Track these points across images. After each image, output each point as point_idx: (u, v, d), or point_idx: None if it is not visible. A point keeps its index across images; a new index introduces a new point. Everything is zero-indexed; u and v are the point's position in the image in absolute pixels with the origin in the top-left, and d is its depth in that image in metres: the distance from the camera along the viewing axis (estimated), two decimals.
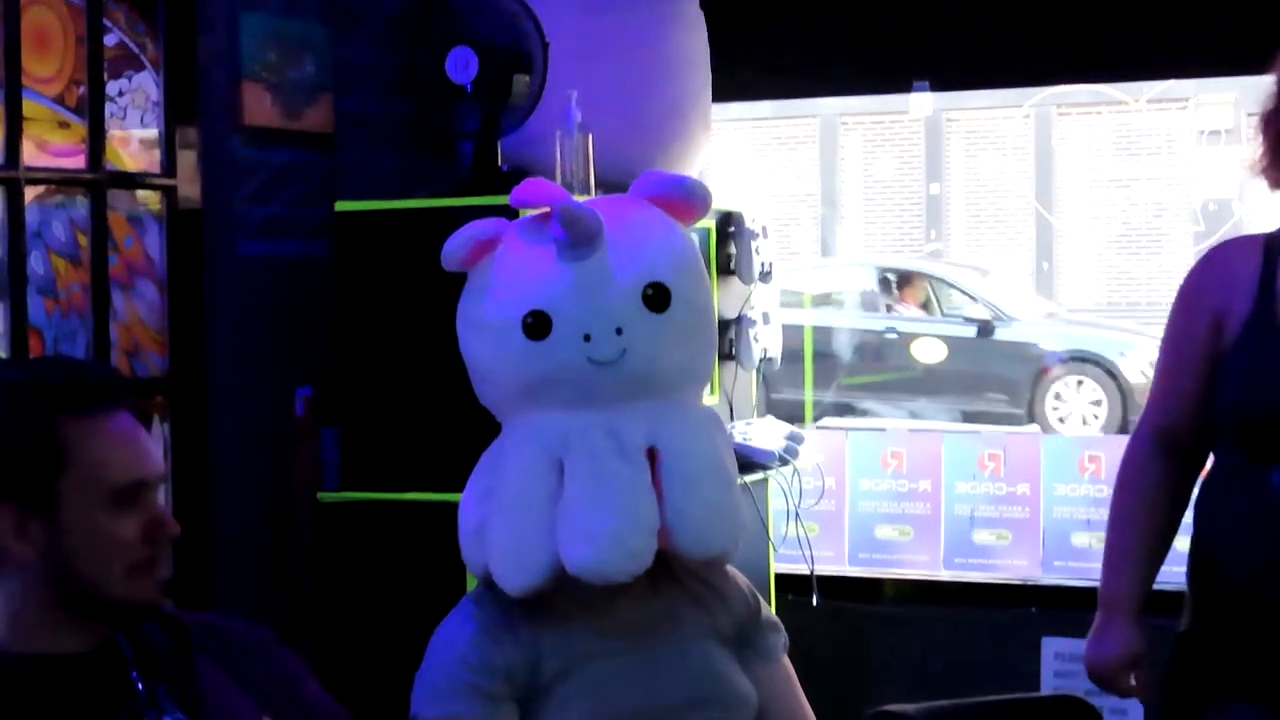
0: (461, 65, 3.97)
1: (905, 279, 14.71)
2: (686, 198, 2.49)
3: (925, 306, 14.42)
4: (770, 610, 2.71)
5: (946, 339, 13.59)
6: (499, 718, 2.42)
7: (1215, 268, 3.02)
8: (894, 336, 13.87)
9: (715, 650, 2.56)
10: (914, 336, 13.78)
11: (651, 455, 2.37)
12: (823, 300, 14.85)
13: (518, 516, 2.39)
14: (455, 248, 2.47)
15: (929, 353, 13.60)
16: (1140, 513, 3.06)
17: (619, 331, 2.35)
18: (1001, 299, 14.09)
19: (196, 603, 2.64)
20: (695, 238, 4.40)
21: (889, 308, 14.32)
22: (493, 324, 2.41)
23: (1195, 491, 3.06)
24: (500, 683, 2.42)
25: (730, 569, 2.63)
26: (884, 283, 14.55)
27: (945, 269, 15.81)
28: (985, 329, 13.51)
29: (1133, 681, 3.07)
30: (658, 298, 2.37)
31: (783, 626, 2.70)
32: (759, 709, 2.58)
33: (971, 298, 14.06)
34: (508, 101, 4.01)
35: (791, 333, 13.71)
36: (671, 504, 2.36)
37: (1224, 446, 2.98)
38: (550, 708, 2.44)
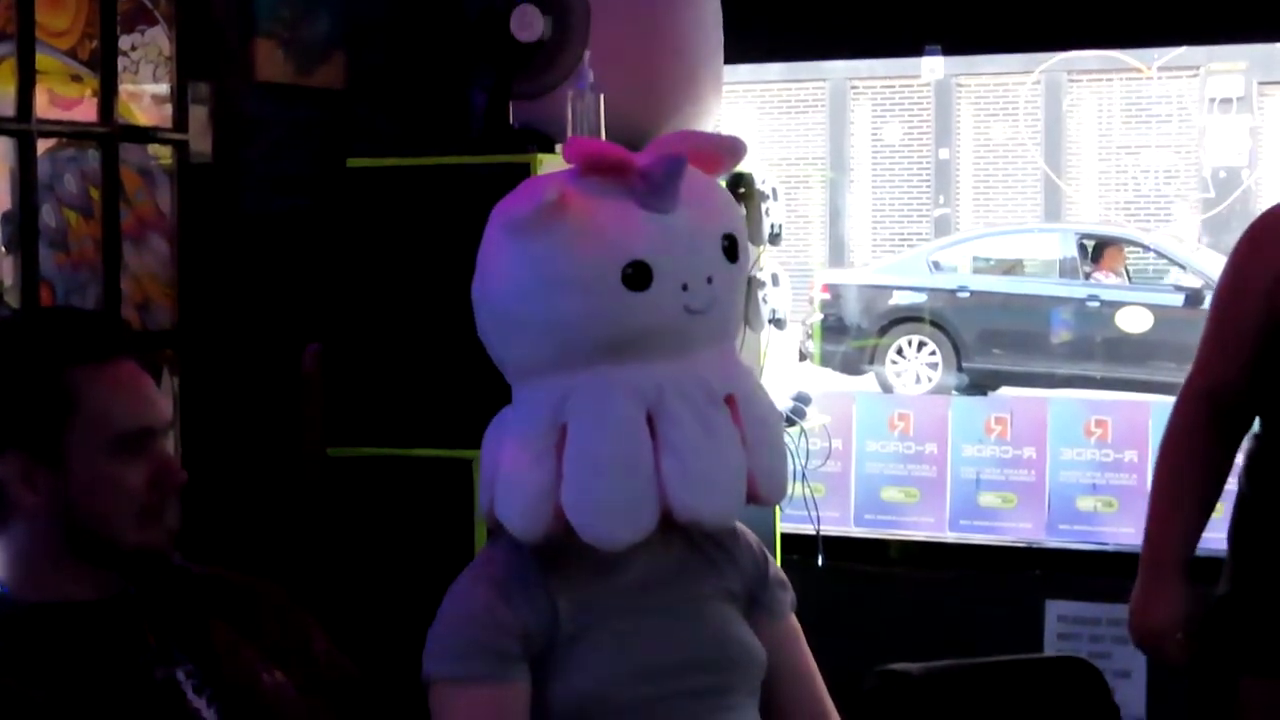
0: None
1: (1103, 246, 14.42)
2: (719, 149, 2.50)
3: (1119, 275, 14.19)
4: (779, 568, 2.72)
5: (1153, 307, 13.19)
6: (512, 677, 2.42)
7: (1273, 230, 3.00)
8: (1096, 305, 13.61)
9: (728, 610, 2.57)
10: (1118, 305, 13.47)
11: (729, 402, 2.39)
12: (1014, 267, 14.72)
13: (619, 475, 2.34)
14: (531, 210, 2.37)
15: (1134, 322, 13.29)
16: (1187, 473, 3.04)
17: (709, 281, 2.36)
18: (1212, 267, 13.75)
19: (205, 557, 2.65)
20: None
21: (1087, 275, 14.05)
22: (587, 278, 2.36)
23: (1241, 456, 3.05)
24: (514, 641, 2.42)
25: (741, 528, 2.64)
26: (1081, 249, 14.27)
27: (1149, 236, 15.56)
28: (1194, 298, 12.94)
29: (1179, 650, 3.04)
30: (732, 248, 2.39)
31: (790, 585, 2.71)
32: (767, 666, 2.59)
33: (1181, 265, 13.81)
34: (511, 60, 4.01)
35: (988, 300, 13.79)
36: (753, 449, 2.39)
37: (1271, 414, 2.96)
38: (566, 667, 2.44)
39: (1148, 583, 3.05)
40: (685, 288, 2.34)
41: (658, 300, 2.33)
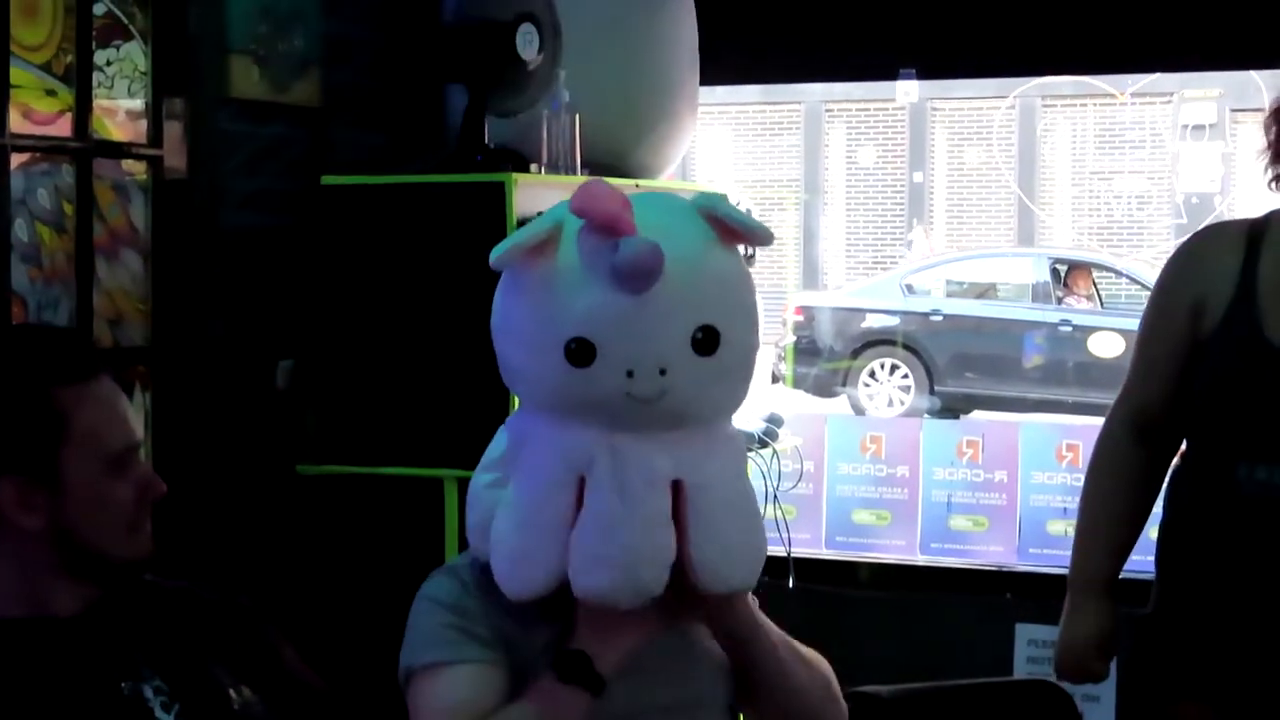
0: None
1: (1073, 270, 14.46)
2: (748, 233, 2.33)
3: (1091, 299, 14.25)
4: None
5: (1125, 333, 12.99)
6: (490, 660, 2.38)
7: (1197, 255, 3.01)
8: (1068, 329, 13.62)
9: (699, 642, 2.57)
10: (1090, 330, 13.48)
11: (677, 487, 2.34)
12: (987, 291, 14.71)
13: (530, 528, 2.34)
14: (510, 251, 2.29)
15: (1106, 347, 13.33)
16: (1112, 496, 3.07)
17: (663, 372, 2.25)
18: None
19: (176, 572, 2.64)
20: None
21: (1059, 300, 14.08)
22: (533, 339, 2.34)
23: (1167, 478, 3.07)
24: (485, 629, 2.41)
25: None
26: (1054, 274, 14.27)
27: (1121, 261, 15.57)
28: None
29: (1102, 668, 3.08)
30: (707, 341, 2.26)
31: None
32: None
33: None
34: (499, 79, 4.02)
35: (961, 323, 13.78)
36: (694, 539, 2.34)
37: (1194, 436, 2.99)
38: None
39: (1072, 605, 3.08)
40: (630, 374, 2.25)
41: (598, 380, 2.26)
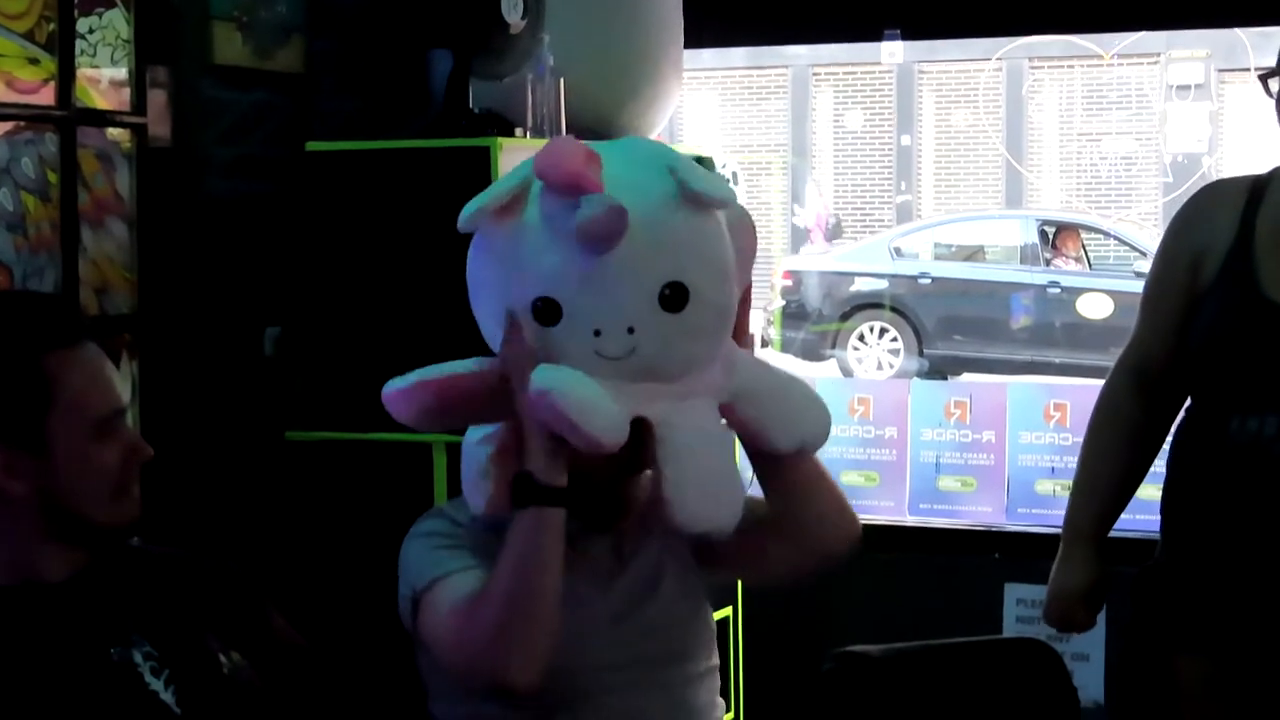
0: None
1: (1062, 232, 14.48)
2: (706, 199, 2.32)
3: (1079, 261, 14.27)
4: None
5: (1114, 294, 13.25)
6: (486, 565, 2.39)
7: (1198, 210, 3.02)
8: (1057, 291, 13.64)
9: (675, 566, 2.58)
10: (1079, 291, 13.52)
11: (646, 427, 2.34)
12: (975, 254, 14.70)
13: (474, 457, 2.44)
14: (476, 213, 2.35)
15: (1094, 308, 13.38)
16: (1109, 450, 3.08)
17: (630, 330, 2.28)
18: None
19: (163, 540, 2.65)
20: None
21: (1048, 261, 14.11)
22: (501, 299, 2.35)
23: (1171, 432, 3.08)
24: (479, 547, 2.43)
25: None
26: (1043, 236, 14.31)
27: (1109, 223, 15.56)
28: None
29: (1087, 618, 3.09)
30: (675, 298, 2.28)
31: None
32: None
33: (1142, 252, 13.79)
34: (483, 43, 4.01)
35: (949, 286, 13.78)
36: (667, 478, 2.34)
37: (1193, 389, 3.00)
38: None
39: (1064, 553, 3.12)
40: (597, 333, 2.28)
41: (565, 339, 2.29)
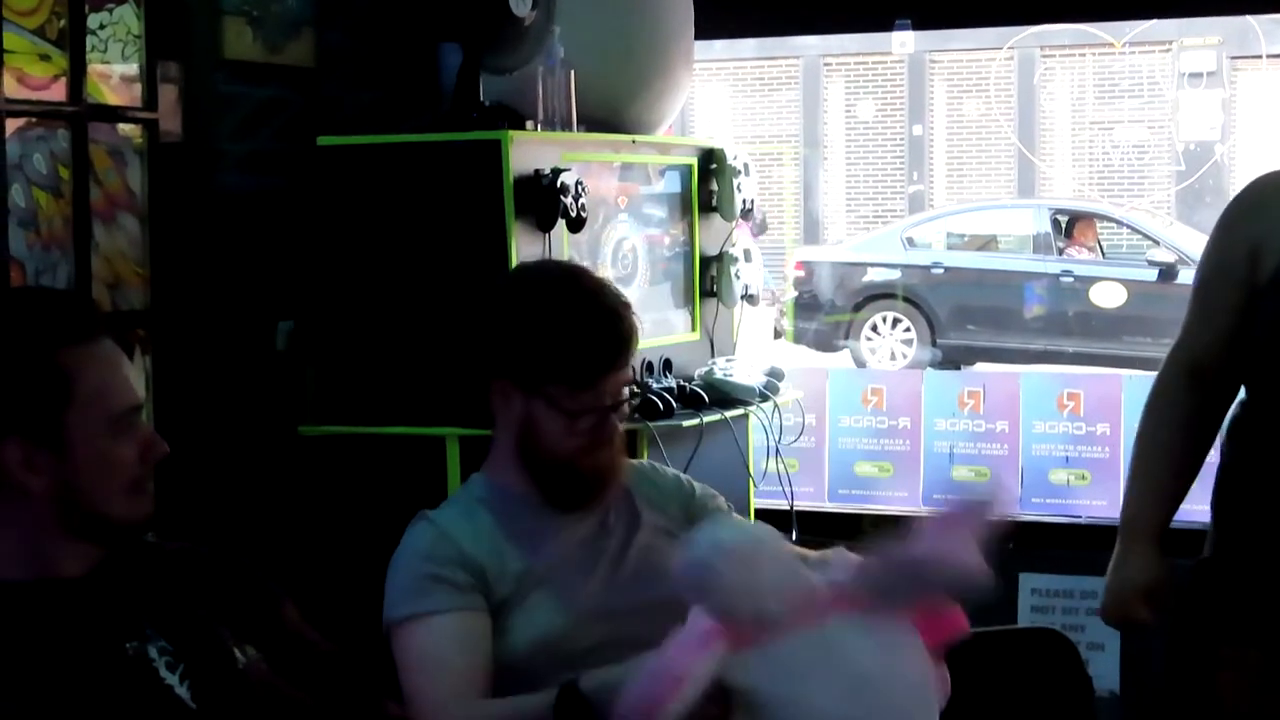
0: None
1: (1076, 221, 14.41)
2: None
3: (1093, 250, 14.19)
4: (703, 485, 2.84)
5: (1127, 282, 13.17)
6: (468, 605, 2.50)
7: (1254, 201, 2.98)
8: (1070, 280, 13.57)
9: (669, 549, 2.61)
10: (1092, 280, 13.43)
11: None
12: (988, 243, 14.69)
13: None
14: None
15: (1108, 297, 13.28)
16: (1168, 442, 3.03)
17: None
18: (1186, 242, 13.57)
19: (178, 535, 2.66)
20: (679, 177, 4.45)
21: (1060, 251, 14.03)
22: None
23: (1225, 423, 3.05)
24: (464, 574, 2.50)
25: (657, 467, 2.84)
26: (1055, 224, 14.25)
27: (1122, 211, 15.53)
28: (1168, 272, 13.01)
29: (1146, 614, 3.05)
30: None
31: (718, 493, 2.84)
32: None
33: (1154, 240, 13.75)
34: (493, 36, 4.01)
35: (962, 276, 13.78)
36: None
37: (1253, 382, 2.96)
38: (521, 615, 2.51)
39: (1122, 550, 3.06)
40: None
41: None
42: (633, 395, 2.75)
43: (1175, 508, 3.05)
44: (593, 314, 2.58)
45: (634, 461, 2.85)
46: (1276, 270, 2.87)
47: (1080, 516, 4.67)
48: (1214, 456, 3.07)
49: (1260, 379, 2.93)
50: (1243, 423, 2.99)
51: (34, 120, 3.70)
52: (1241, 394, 3.01)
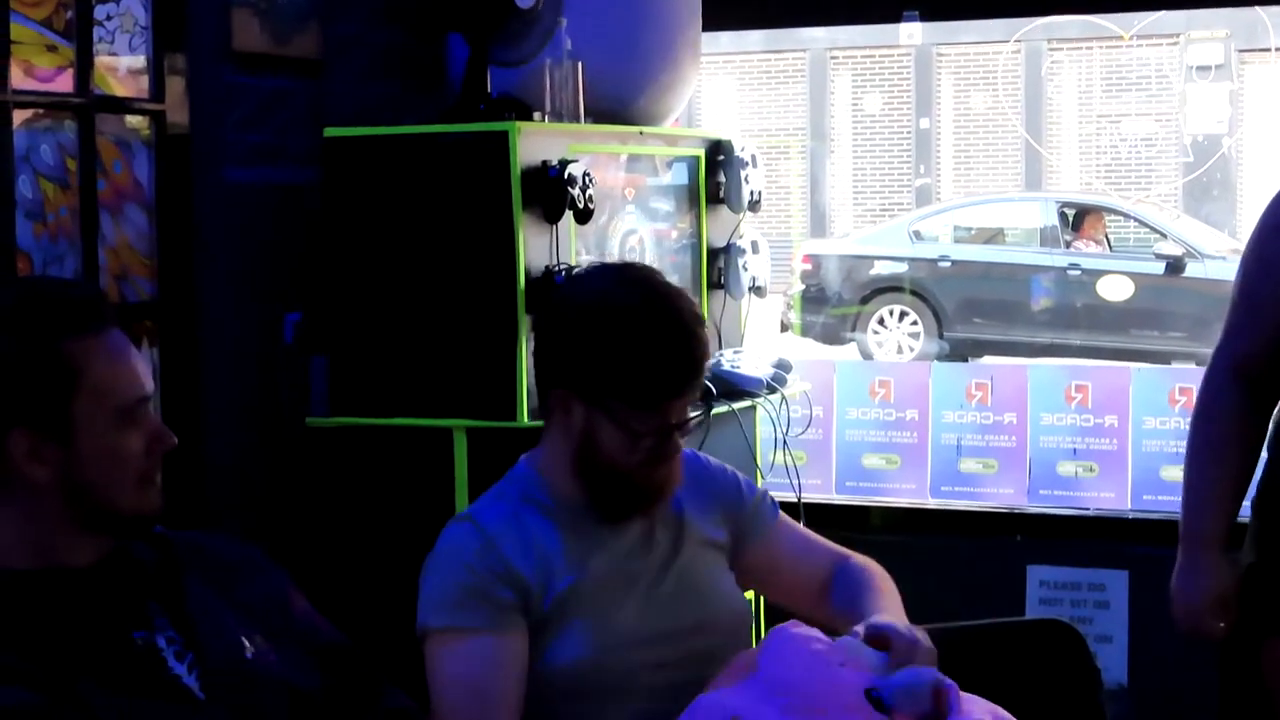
0: None
1: (1083, 214, 14.39)
2: None
3: (1101, 244, 14.17)
4: (749, 480, 2.80)
5: (1134, 275, 13.16)
6: (509, 627, 2.43)
7: None
8: (1077, 273, 13.57)
9: (712, 566, 2.60)
10: (1099, 274, 13.41)
11: None
12: (995, 236, 14.68)
13: None
14: None
15: (1115, 290, 13.26)
16: (1223, 445, 2.99)
17: None
18: (1194, 235, 13.63)
19: (186, 526, 2.65)
20: (686, 169, 4.44)
21: (1068, 244, 14.02)
22: None
23: (1271, 423, 3.00)
24: (507, 589, 2.44)
25: (705, 459, 2.76)
26: (1062, 218, 14.23)
27: (1129, 204, 15.52)
28: (1175, 266, 13.03)
29: (1217, 623, 2.99)
30: None
31: (766, 492, 2.80)
32: (780, 567, 2.73)
33: (1162, 234, 13.75)
34: (500, 28, 4.01)
35: (969, 269, 13.79)
36: None
37: None
38: (560, 634, 2.46)
39: (1187, 559, 3.01)
40: None
41: None
42: (698, 412, 2.66)
43: (1236, 510, 3.01)
44: (667, 337, 2.49)
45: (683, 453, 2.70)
46: None
47: (1088, 509, 4.67)
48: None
49: None
50: None
51: (41, 112, 3.70)
52: None
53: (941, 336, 13.62)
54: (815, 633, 2.38)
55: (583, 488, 2.54)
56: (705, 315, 4.44)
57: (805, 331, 13.93)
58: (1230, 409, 2.99)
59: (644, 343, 2.48)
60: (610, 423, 2.49)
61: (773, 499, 2.79)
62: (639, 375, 2.48)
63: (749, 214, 4.59)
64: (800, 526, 2.81)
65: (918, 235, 14.38)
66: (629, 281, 2.57)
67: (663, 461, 2.53)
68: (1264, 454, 2.99)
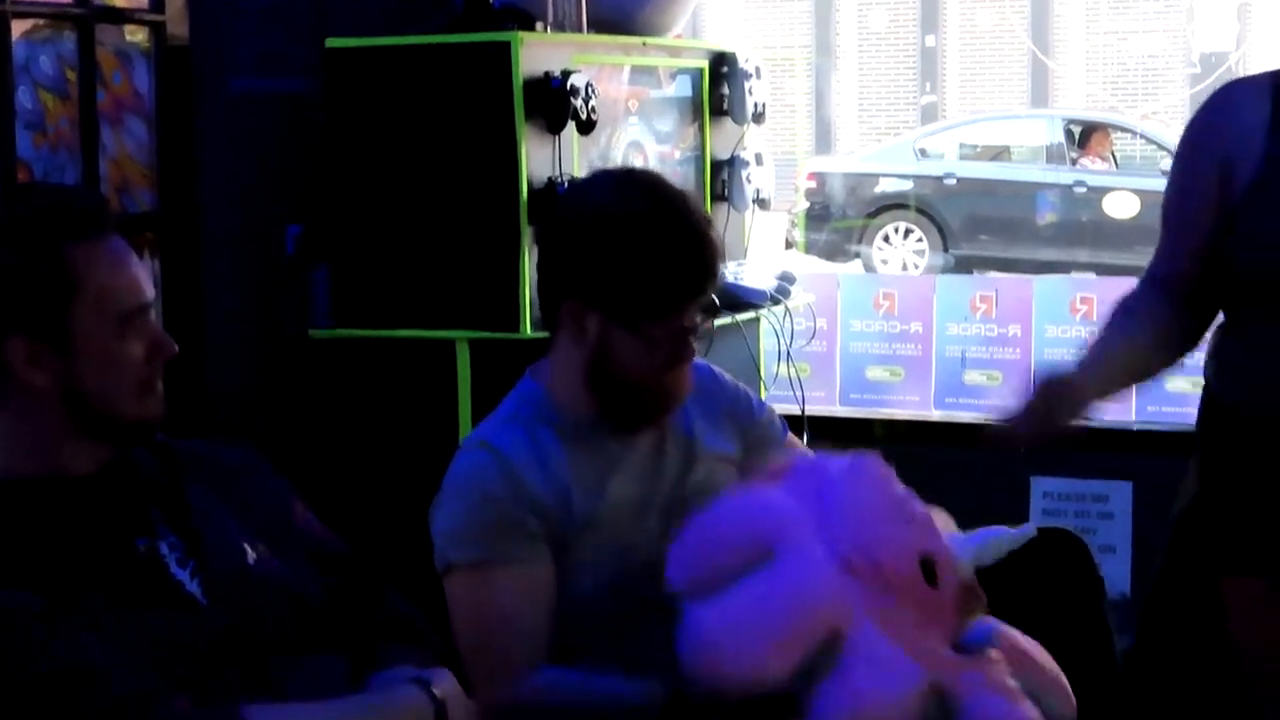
0: None
1: (1090, 131, 14.32)
2: None
3: (1107, 160, 14.12)
4: (757, 396, 2.78)
5: (1140, 192, 13.05)
6: (534, 558, 2.41)
7: (1221, 113, 2.83)
8: (1083, 190, 13.53)
9: (728, 483, 2.59)
10: (1105, 190, 13.38)
11: None
12: (1000, 153, 14.62)
13: None
14: None
15: (1121, 207, 13.24)
16: (1122, 315, 2.91)
17: None
18: None
19: (187, 436, 2.65)
20: (689, 81, 4.42)
21: (1074, 161, 13.97)
22: None
23: (1207, 350, 2.93)
24: (531, 517, 2.42)
25: (715, 371, 2.71)
26: (1069, 135, 14.16)
27: (1136, 121, 15.44)
28: None
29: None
30: None
31: (773, 409, 2.78)
32: None
33: (1168, 150, 13.63)
34: None
35: (975, 186, 13.76)
36: None
37: (1233, 302, 2.86)
38: (578, 560, 2.45)
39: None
40: None
41: None
42: (709, 315, 2.62)
43: (1113, 381, 2.93)
44: (680, 241, 2.45)
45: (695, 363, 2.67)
46: (1248, 191, 2.75)
47: (1093, 420, 4.65)
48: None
49: (1240, 298, 2.84)
50: (1223, 346, 2.90)
51: (40, 22, 3.68)
52: (1219, 319, 2.93)
53: (946, 253, 13.59)
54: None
55: (594, 400, 2.51)
56: None
57: (809, 249, 13.90)
58: (1140, 296, 2.91)
59: (657, 249, 2.44)
60: (625, 331, 2.46)
61: (782, 419, 2.77)
62: (654, 282, 2.45)
63: (753, 126, 4.57)
64: (805, 449, 2.80)
65: (923, 152, 14.33)
66: (636, 188, 2.54)
67: (677, 366, 2.51)
68: (1202, 382, 2.94)
